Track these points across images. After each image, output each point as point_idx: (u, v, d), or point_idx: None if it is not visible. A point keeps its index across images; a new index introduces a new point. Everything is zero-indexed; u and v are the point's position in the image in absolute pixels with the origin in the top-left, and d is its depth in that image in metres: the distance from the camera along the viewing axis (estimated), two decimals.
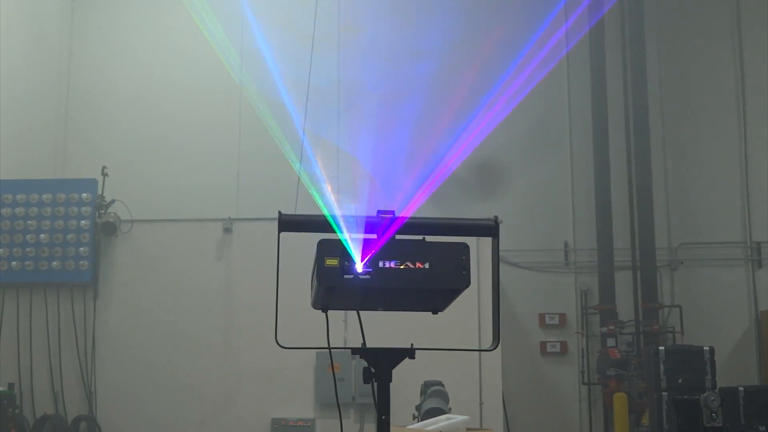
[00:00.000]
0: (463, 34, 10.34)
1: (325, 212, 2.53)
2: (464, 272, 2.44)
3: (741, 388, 8.02)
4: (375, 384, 2.57)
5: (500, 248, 2.63)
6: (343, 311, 5.61)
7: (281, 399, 8.66)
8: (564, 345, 10.43)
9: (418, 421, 5.77)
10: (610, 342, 9.84)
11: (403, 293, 2.50)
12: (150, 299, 8.92)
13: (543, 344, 10.45)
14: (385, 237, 2.44)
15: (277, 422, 8.58)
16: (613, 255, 10.24)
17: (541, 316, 10.48)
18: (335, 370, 7.97)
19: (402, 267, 2.41)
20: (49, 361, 8.78)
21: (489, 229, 2.62)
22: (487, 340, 2.65)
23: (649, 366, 8.64)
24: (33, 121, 10.10)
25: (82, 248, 8.89)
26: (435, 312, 2.68)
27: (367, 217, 2.48)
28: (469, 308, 8.07)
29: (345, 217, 2.47)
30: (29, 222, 8.95)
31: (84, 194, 9.03)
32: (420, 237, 2.50)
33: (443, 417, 5.50)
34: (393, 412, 2.59)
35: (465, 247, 2.46)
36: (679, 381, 8.24)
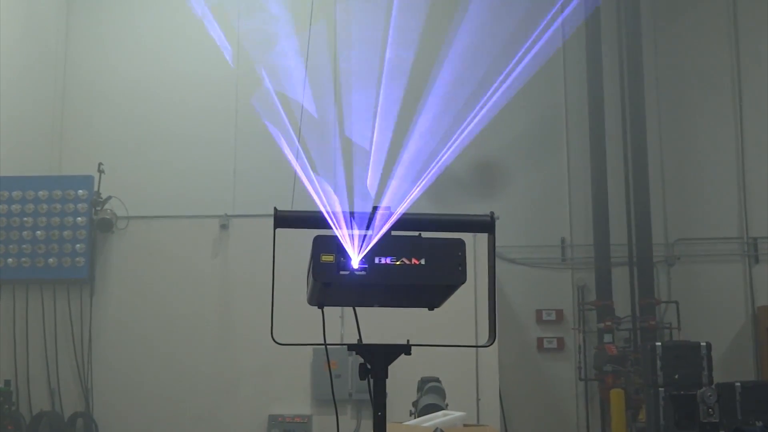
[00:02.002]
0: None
1: (321, 208, 2.53)
2: (460, 268, 2.43)
3: (738, 384, 8.04)
4: (371, 380, 2.57)
5: (497, 244, 2.63)
6: (339, 307, 5.61)
7: (278, 395, 8.66)
8: (561, 341, 10.43)
9: (415, 418, 5.77)
10: (607, 338, 9.85)
11: (399, 289, 2.49)
12: (146, 296, 8.92)
13: (540, 340, 10.45)
14: (380, 233, 2.43)
15: (273, 419, 8.58)
16: (609, 251, 10.25)
17: (538, 312, 10.48)
18: (332, 367, 7.98)
19: (398, 263, 2.40)
20: (46, 358, 8.77)
21: (485, 225, 2.61)
22: (484, 337, 2.64)
23: (646, 362, 8.65)
24: (29, 117, 10.08)
25: (78, 245, 8.88)
26: (431, 308, 2.67)
27: (363, 213, 2.47)
28: (466, 304, 8.05)
29: (340, 213, 2.47)
30: (25, 219, 8.94)
31: (80, 191, 9.02)
32: (416, 233, 2.49)
33: (440, 413, 5.50)
34: (390, 408, 2.59)
35: (461, 243, 2.46)
36: (676, 377, 8.25)
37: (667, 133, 10.72)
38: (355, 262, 2.38)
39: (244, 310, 8.66)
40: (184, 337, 8.79)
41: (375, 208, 2.48)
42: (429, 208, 2.61)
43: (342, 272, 2.38)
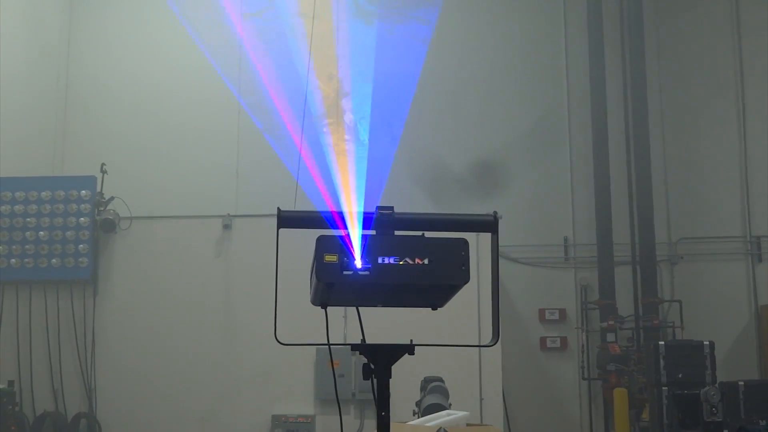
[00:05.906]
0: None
1: (324, 209, 2.52)
2: (463, 268, 2.43)
3: (741, 383, 8.02)
4: (375, 380, 2.56)
5: (500, 244, 2.62)
6: (342, 307, 5.61)
7: (281, 395, 8.66)
8: (564, 340, 10.43)
9: (419, 417, 5.77)
10: (610, 337, 9.84)
11: (403, 289, 2.49)
12: (149, 296, 8.92)
13: (543, 340, 10.45)
14: (384, 233, 2.43)
15: (277, 419, 8.59)
16: (612, 250, 10.23)
17: (541, 312, 10.48)
18: (335, 367, 7.98)
19: (401, 263, 2.39)
20: (49, 358, 8.78)
21: (488, 224, 2.61)
22: (487, 336, 2.64)
23: (649, 361, 8.64)
24: (32, 118, 10.09)
25: (81, 245, 8.88)
26: (434, 308, 2.66)
27: (366, 213, 2.47)
28: (469, 304, 8.07)
29: (344, 214, 2.46)
30: (28, 219, 8.95)
31: (83, 191, 9.02)
32: (419, 233, 2.49)
33: (443, 413, 5.50)
34: (393, 408, 2.59)
35: (464, 243, 2.45)
36: (680, 376, 8.24)
37: (670, 131, 10.71)
38: (359, 262, 2.38)
39: (248, 310, 8.66)
40: (187, 338, 8.80)
41: (378, 208, 2.48)
42: (431, 208, 2.61)
43: (345, 272, 2.37)
